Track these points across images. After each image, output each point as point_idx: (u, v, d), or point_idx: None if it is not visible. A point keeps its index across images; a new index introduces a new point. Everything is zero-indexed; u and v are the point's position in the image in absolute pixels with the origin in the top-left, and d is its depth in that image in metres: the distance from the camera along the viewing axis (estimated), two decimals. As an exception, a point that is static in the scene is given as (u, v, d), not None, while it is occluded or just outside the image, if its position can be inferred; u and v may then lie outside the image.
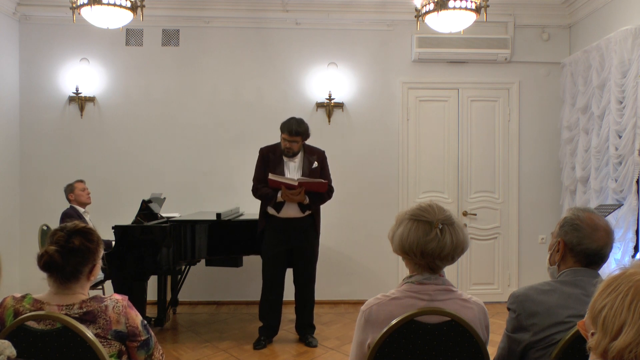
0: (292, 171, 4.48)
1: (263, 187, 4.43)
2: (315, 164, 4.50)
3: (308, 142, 4.63)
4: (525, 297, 1.84)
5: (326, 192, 4.52)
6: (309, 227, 4.52)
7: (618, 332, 1.07)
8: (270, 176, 4.31)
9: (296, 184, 4.27)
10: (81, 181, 5.13)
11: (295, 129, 4.37)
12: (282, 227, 4.45)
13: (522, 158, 6.07)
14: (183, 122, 5.96)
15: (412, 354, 1.76)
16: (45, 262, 1.89)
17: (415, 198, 5.96)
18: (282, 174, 4.43)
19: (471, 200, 6.07)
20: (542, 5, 5.94)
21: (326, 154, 4.66)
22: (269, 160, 4.46)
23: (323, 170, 4.55)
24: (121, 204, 5.71)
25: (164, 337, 4.78)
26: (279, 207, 4.43)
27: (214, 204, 5.72)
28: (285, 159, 4.49)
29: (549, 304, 1.80)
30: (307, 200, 4.40)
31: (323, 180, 4.40)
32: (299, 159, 4.52)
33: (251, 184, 4.57)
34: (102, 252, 2.02)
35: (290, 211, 4.43)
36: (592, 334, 1.15)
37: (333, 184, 4.64)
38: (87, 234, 1.97)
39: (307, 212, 4.48)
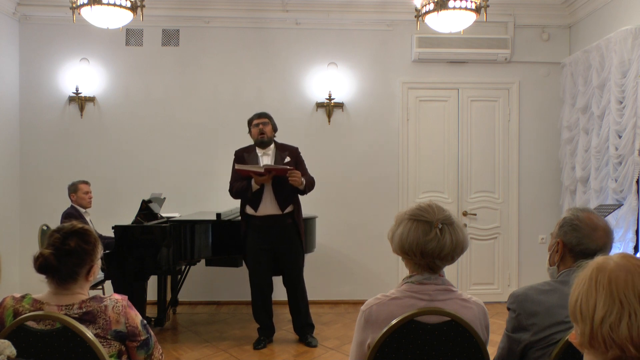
0: None
1: (236, 182, 4.51)
2: (288, 159, 4.55)
3: (281, 140, 4.71)
4: (525, 297, 1.84)
5: (306, 185, 4.51)
6: (290, 227, 4.54)
7: (593, 312, 1.12)
8: (237, 166, 4.43)
9: (262, 170, 4.34)
10: (86, 183, 5.03)
11: (259, 112, 4.65)
12: (262, 227, 4.48)
13: (522, 158, 6.07)
14: (183, 122, 5.96)
15: (412, 354, 1.76)
16: (41, 265, 1.89)
17: (415, 198, 5.96)
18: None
19: (471, 200, 6.07)
20: (542, 5, 5.94)
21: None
22: (244, 159, 4.55)
23: (298, 166, 4.57)
24: (121, 204, 5.71)
25: (164, 337, 4.78)
26: (256, 204, 4.47)
27: (214, 204, 5.72)
28: (259, 153, 4.57)
29: (548, 304, 1.80)
30: (303, 184, 4.44)
31: (288, 167, 4.42)
32: (271, 153, 4.58)
33: None
34: (100, 253, 2.01)
35: (269, 208, 4.47)
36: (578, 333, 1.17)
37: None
38: (84, 235, 1.96)
39: (288, 210, 4.51)
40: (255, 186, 4.41)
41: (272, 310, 4.66)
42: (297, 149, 4.69)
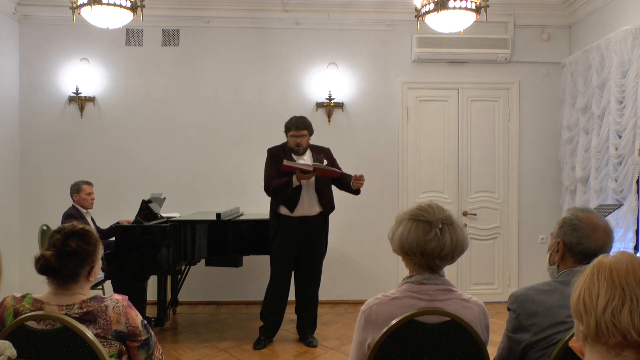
0: None
1: (275, 179, 4.43)
2: (325, 161, 4.55)
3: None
4: (525, 297, 1.84)
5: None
6: (321, 225, 4.56)
7: (596, 302, 1.13)
8: (285, 162, 4.33)
9: (311, 168, 4.30)
10: (89, 184, 5.01)
11: (301, 122, 4.52)
12: (295, 227, 4.45)
13: (522, 158, 6.07)
14: (183, 122, 5.96)
15: (412, 354, 1.76)
16: (42, 266, 1.89)
17: (415, 198, 5.96)
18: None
19: (471, 200, 6.07)
20: (542, 5, 5.94)
21: None
22: (280, 158, 4.45)
23: (335, 165, 4.61)
24: (121, 204, 5.70)
25: (164, 337, 4.78)
26: (292, 205, 4.42)
27: (214, 204, 5.72)
28: (295, 157, 4.51)
29: (548, 304, 1.80)
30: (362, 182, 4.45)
31: (337, 170, 4.45)
32: (307, 156, 4.55)
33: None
34: (101, 253, 2.01)
35: (306, 209, 4.45)
36: (581, 333, 1.17)
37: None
38: (85, 236, 1.96)
39: (324, 209, 4.51)
40: (295, 182, 4.36)
41: (285, 308, 4.63)
42: (329, 149, 4.70)
